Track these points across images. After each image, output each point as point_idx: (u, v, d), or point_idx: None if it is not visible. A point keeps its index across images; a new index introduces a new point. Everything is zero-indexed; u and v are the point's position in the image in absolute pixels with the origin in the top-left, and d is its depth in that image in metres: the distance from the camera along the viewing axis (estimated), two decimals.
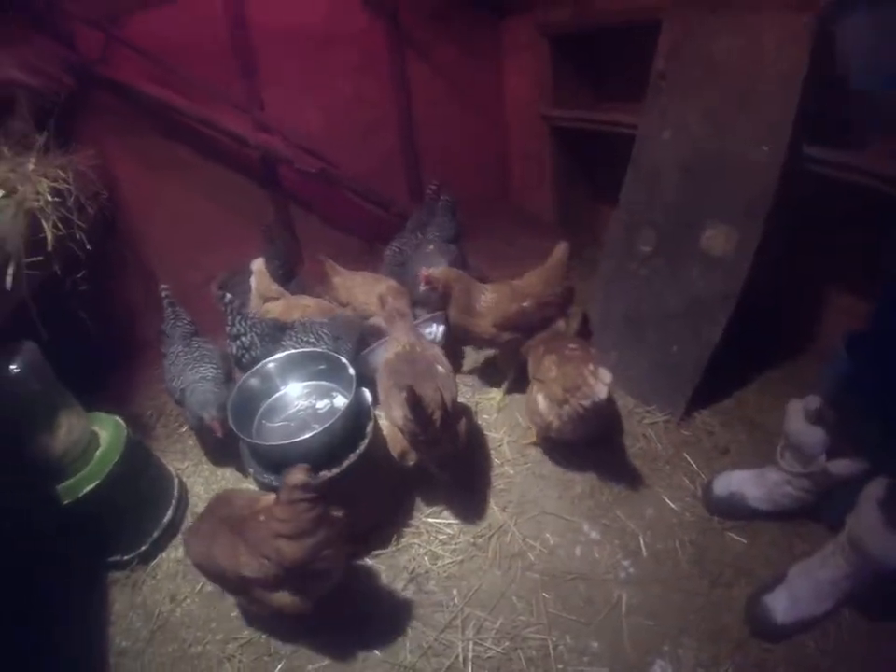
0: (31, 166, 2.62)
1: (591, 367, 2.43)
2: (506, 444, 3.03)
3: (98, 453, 2.60)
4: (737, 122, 2.77)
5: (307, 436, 2.28)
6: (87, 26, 3.88)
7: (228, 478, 3.15)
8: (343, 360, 2.66)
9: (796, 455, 2.25)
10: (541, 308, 3.10)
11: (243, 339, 3.06)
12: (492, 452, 3.01)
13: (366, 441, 2.46)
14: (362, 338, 3.24)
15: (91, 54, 3.96)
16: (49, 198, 2.49)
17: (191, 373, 2.90)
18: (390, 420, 2.53)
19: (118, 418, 2.80)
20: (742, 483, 2.47)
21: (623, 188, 3.38)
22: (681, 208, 3.03)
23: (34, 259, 2.30)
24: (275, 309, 3.52)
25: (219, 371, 2.96)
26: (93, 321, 3.11)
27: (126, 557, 2.67)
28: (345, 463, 2.35)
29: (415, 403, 2.21)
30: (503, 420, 3.20)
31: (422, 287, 3.09)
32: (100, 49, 3.98)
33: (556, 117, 4.53)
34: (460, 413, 2.63)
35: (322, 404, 2.71)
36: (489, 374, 3.51)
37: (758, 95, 2.68)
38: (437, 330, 3.37)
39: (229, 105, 4.38)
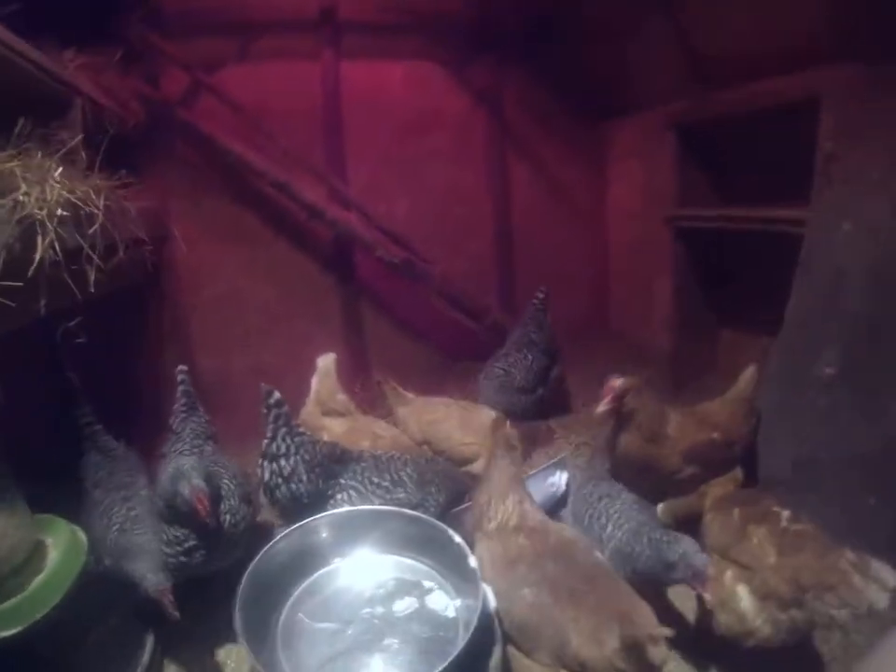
0: (53, 171, 1.97)
1: (850, 556, 1.81)
2: None
3: (39, 579, 1.75)
4: None
5: None
6: (178, 68, 3.63)
7: (220, 636, 2.04)
8: (457, 539, 1.72)
9: None
10: (729, 445, 2.65)
11: (282, 462, 2.12)
12: None
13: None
14: (459, 493, 2.32)
15: (174, 96, 3.65)
16: (59, 211, 1.86)
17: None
18: (569, 661, 1.61)
19: (78, 530, 1.96)
20: None
21: (791, 299, 2.84)
22: (875, 319, 2.52)
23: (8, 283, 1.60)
24: (335, 429, 2.63)
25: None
26: (89, 388, 2.49)
27: None
28: None
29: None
30: None
31: (602, 407, 2.45)
32: (184, 93, 3.69)
33: (687, 216, 3.85)
34: None
35: (404, 604, 1.72)
36: None
37: None
38: (560, 481, 2.58)
39: (309, 173, 3.85)
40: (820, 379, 2.65)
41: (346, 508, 1.98)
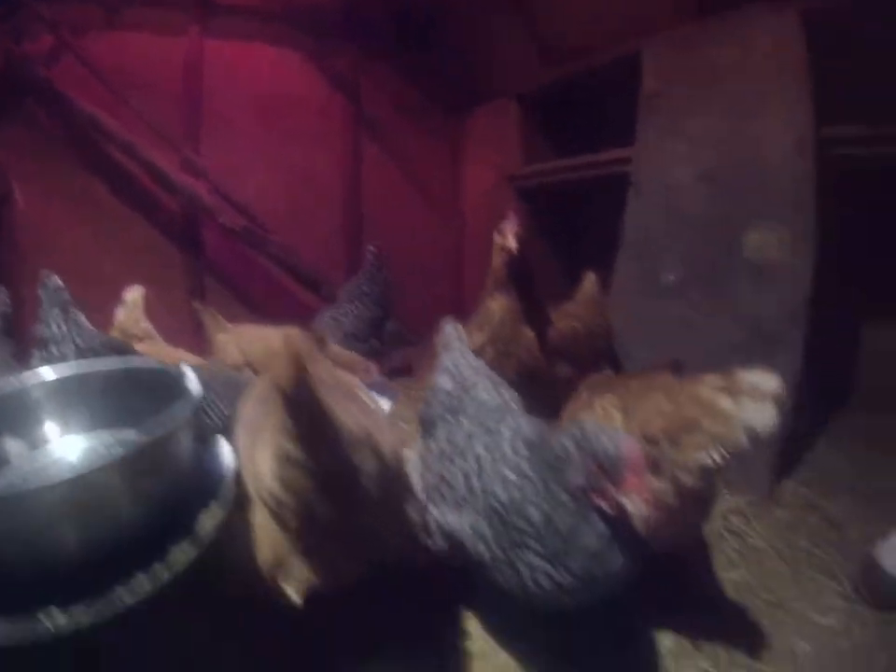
0: None
1: (714, 381, 1.43)
2: None
3: None
4: (755, 122, 2.56)
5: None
6: (43, 25, 3.61)
7: None
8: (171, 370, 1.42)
9: None
10: (591, 337, 2.67)
11: (52, 349, 1.95)
12: None
13: (208, 531, 1.14)
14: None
15: (35, 53, 3.62)
16: None
17: None
18: (255, 487, 1.30)
19: None
20: None
21: (626, 217, 2.99)
22: (712, 219, 2.65)
23: None
24: None
25: None
26: None
27: None
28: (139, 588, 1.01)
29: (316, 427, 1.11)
30: None
31: (509, 241, 2.35)
32: (47, 52, 3.67)
33: (526, 174, 4.17)
34: (406, 477, 1.49)
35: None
36: None
37: (769, 92, 2.53)
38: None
39: (162, 140, 3.90)
40: (667, 287, 2.72)
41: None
